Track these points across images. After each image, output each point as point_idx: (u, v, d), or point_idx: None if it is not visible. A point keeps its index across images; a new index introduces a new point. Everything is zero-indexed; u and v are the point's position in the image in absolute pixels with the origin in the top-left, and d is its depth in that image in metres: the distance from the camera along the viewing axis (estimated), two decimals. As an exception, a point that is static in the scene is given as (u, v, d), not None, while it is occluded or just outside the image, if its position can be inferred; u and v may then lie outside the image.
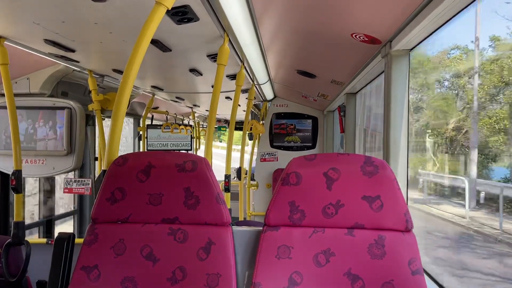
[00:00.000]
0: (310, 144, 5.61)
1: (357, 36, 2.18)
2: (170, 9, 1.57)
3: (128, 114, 5.63)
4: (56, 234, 1.60)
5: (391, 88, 2.12)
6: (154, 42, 2.33)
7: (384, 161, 1.44)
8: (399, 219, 1.40)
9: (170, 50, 2.56)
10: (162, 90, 4.49)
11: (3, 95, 3.05)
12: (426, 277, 1.40)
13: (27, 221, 4.66)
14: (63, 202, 5.55)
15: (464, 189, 8.61)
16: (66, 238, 1.55)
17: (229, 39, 2.33)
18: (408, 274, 1.35)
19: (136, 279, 1.40)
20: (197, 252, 1.43)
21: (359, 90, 3.65)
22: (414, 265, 1.37)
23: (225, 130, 9.64)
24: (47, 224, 4.29)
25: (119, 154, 1.56)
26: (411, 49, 2.10)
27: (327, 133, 5.38)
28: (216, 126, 9.19)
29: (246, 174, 5.64)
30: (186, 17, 1.94)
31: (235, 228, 1.56)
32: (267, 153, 5.62)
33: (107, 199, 1.46)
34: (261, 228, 1.51)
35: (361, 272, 1.38)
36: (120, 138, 1.60)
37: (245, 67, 3.08)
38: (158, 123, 6.48)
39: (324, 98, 4.48)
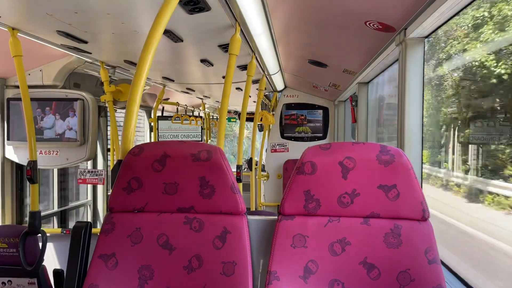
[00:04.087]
0: (321, 134, 5.58)
1: (371, 24, 2.15)
2: None
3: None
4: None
5: (405, 77, 2.09)
6: (166, 32, 2.33)
7: (400, 150, 1.43)
8: (415, 208, 1.39)
9: (182, 41, 2.56)
10: (173, 81, 4.50)
11: (17, 87, 3.09)
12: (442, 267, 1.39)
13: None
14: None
15: None
16: (84, 227, 1.57)
17: (241, 29, 2.32)
18: (425, 263, 1.35)
19: (153, 267, 1.42)
20: (213, 240, 1.43)
21: (372, 80, 3.61)
22: (430, 254, 1.36)
23: (235, 121, 9.64)
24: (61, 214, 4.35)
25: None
26: (427, 36, 2.07)
27: (338, 124, 5.35)
28: (226, 118, 9.17)
29: (257, 165, 5.64)
30: (198, 7, 1.94)
31: (250, 217, 1.56)
32: (277, 144, 5.61)
33: (123, 189, 1.47)
34: (276, 217, 1.51)
35: (377, 261, 1.37)
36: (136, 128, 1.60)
37: (256, 57, 3.06)
38: (170, 115, 6.50)
39: (336, 88, 4.45)
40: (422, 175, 2.11)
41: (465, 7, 1.66)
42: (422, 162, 2.09)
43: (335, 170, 1.41)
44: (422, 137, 2.08)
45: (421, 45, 2.09)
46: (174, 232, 1.45)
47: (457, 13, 1.75)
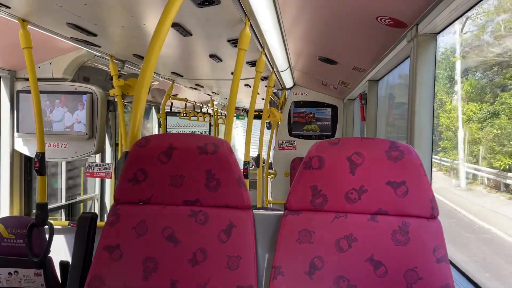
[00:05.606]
0: (329, 133, 5.55)
1: (383, 20, 2.12)
2: None
3: (147, 101, 5.67)
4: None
5: (416, 73, 2.06)
6: (175, 25, 2.32)
7: (410, 146, 1.40)
8: (424, 205, 1.36)
9: (191, 35, 2.55)
10: (182, 76, 4.50)
11: (27, 79, 3.10)
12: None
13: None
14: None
15: None
16: (89, 217, 1.57)
17: (250, 24, 2.30)
18: (433, 262, 1.32)
19: (157, 259, 1.41)
20: (218, 234, 1.42)
21: (382, 77, 3.57)
22: (439, 252, 1.33)
23: (243, 119, 9.63)
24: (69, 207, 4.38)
25: None
26: (439, 32, 2.04)
27: (347, 122, 5.31)
28: (234, 115, 9.17)
29: (264, 162, 5.62)
30: (207, 0, 1.92)
31: (255, 211, 1.55)
32: (285, 142, 5.59)
33: (129, 180, 1.46)
34: (282, 212, 1.49)
35: (384, 259, 1.35)
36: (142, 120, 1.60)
37: (265, 53, 3.04)
38: (178, 111, 6.53)
39: (345, 86, 4.41)
40: (431, 172, 2.08)
41: (479, 1, 1.63)
42: (432, 159, 2.06)
43: (343, 165, 1.39)
44: (433, 134, 2.05)
45: (433, 41, 2.06)
46: (179, 225, 1.44)
47: (470, 8, 1.72)
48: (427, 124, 2.05)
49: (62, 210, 4.28)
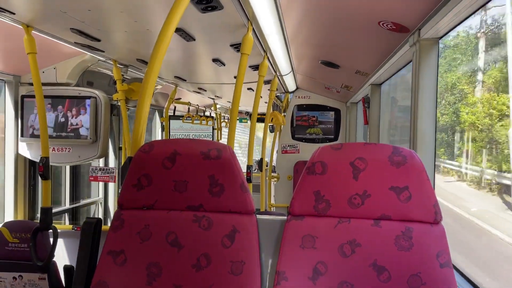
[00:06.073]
0: (332, 136, 5.55)
1: (385, 24, 2.13)
2: None
3: (150, 106, 5.68)
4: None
5: (419, 78, 2.06)
6: (178, 30, 2.33)
7: (412, 151, 1.40)
8: (427, 210, 1.36)
9: (194, 40, 2.56)
10: (185, 80, 4.52)
11: (31, 84, 3.13)
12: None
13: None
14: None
15: None
16: (94, 223, 1.58)
17: (253, 29, 2.31)
18: (437, 267, 1.32)
19: (161, 265, 1.41)
20: (222, 239, 1.43)
21: (385, 81, 3.58)
22: (442, 257, 1.33)
23: (246, 122, 9.64)
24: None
25: None
26: (441, 37, 2.04)
27: (350, 125, 5.31)
28: (238, 118, 9.17)
29: (267, 165, 5.63)
30: (210, 5, 1.93)
31: (259, 216, 1.55)
32: (288, 145, 5.60)
33: (133, 186, 1.47)
34: (285, 218, 1.49)
35: (387, 264, 1.35)
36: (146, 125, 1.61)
37: (268, 57, 3.06)
38: (182, 114, 6.54)
39: (348, 90, 4.42)
40: (434, 178, 2.07)
41: (481, 7, 1.63)
42: (435, 164, 2.06)
43: (346, 170, 1.39)
44: (435, 138, 2.05)
45: (435, 46, 2.06)
46: (183, 230, 1.45)
47: (472, 13, 1.72)
48: (430, 128, 2.05)
49: (66, 214, 4.29)
